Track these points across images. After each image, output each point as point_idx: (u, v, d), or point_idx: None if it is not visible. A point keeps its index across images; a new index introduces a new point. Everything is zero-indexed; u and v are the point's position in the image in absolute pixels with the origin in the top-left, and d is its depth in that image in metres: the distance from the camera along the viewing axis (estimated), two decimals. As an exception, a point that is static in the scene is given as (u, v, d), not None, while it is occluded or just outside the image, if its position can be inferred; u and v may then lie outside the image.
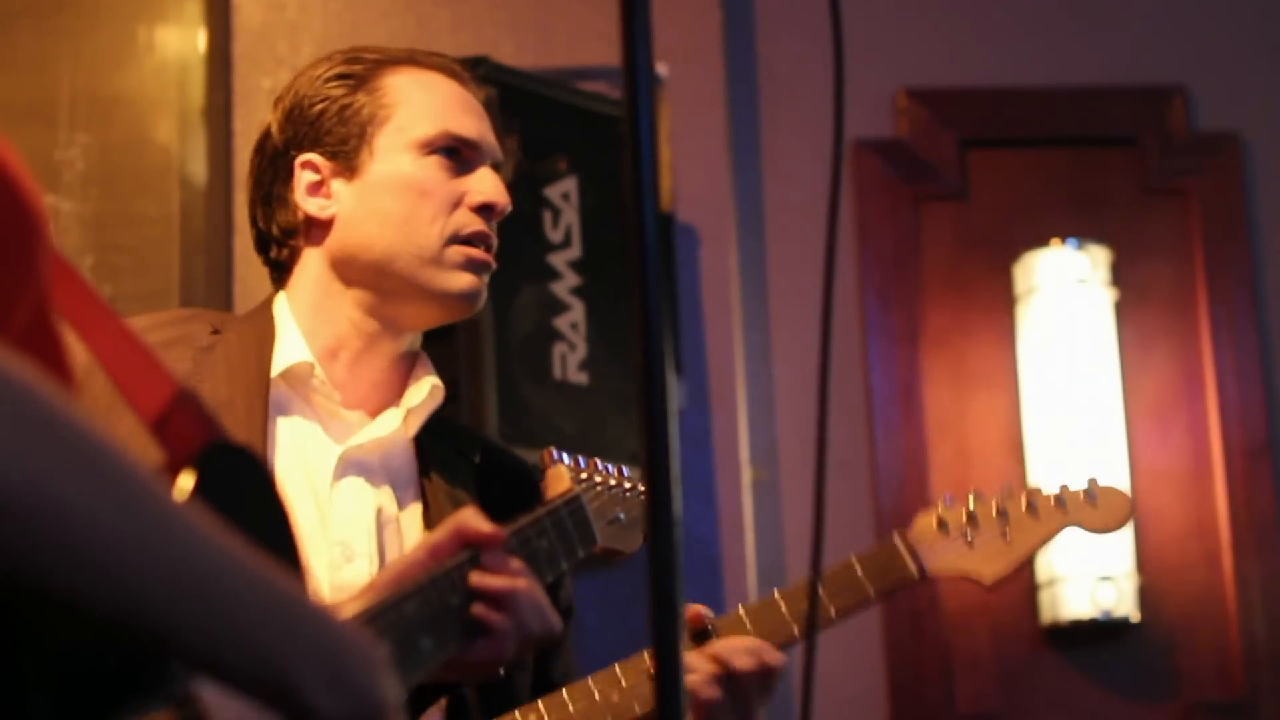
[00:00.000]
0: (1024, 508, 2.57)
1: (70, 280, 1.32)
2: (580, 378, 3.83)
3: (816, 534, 2.56)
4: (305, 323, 2.45)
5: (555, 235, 3.86)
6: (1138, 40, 4.47)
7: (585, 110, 3.95)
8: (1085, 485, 2.60)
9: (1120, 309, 4.30)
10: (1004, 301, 4.31)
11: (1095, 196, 4.41)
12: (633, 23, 1.37)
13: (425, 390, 2.46)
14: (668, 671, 1.32)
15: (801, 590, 2.47)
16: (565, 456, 2.35)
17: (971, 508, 2.55)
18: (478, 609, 2.04)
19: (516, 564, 2.13)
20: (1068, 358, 4.22)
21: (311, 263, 2.46)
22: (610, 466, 2.38)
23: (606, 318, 3.87)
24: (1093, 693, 4.19)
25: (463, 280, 2.41)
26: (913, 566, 2.51)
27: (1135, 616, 4.17)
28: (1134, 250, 4.35)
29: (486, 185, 2.44)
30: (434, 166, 2.43)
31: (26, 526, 1.09)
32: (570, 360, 3.82)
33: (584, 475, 2.33)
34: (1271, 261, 4.42)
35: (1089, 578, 4.12)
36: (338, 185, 2.44)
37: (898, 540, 2.52)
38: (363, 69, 2.47)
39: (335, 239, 2.44)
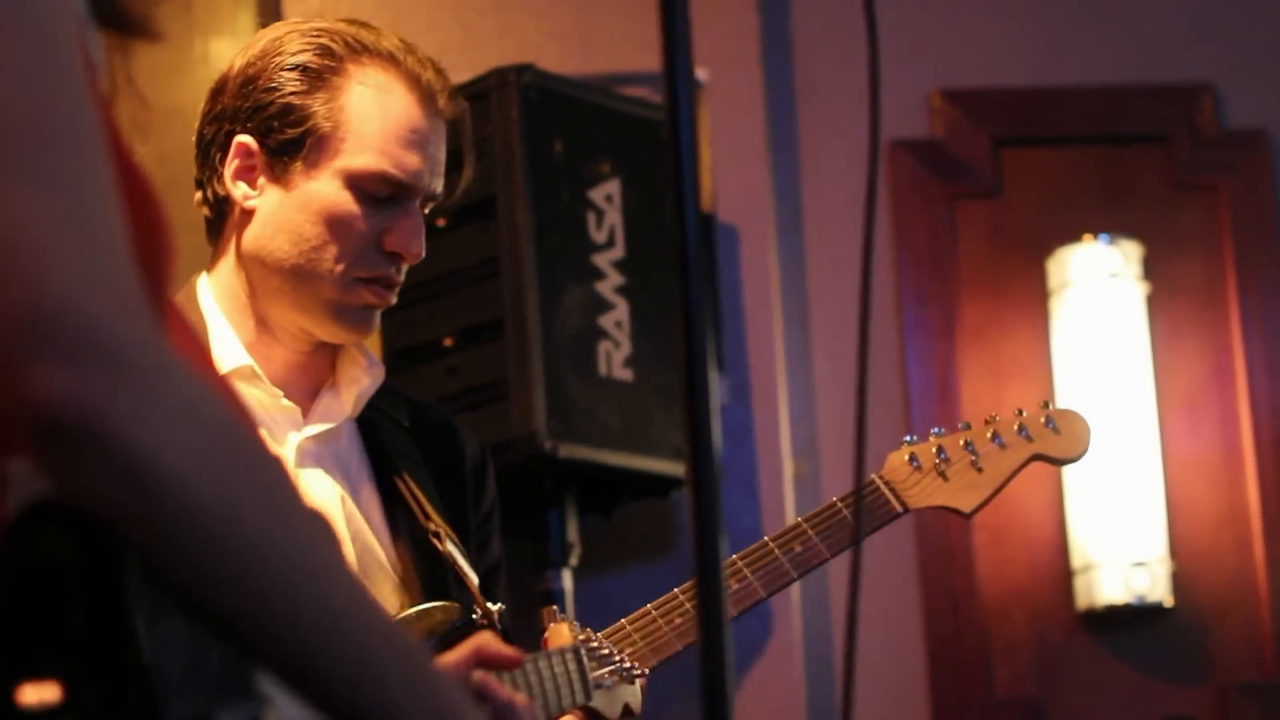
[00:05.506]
0: (989, 439, 2.68)
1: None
2: (625, 374, 3.83)
3: (856, 526, 2.60)
4: (230, 314, 2.41)
5: (599, 236, 3.86)
6: (1167, 39, 4.46)
7: (627, 114, 3.96)
8: (1045, 412, 2.69)
9: (1151, 302, 4.29)
10: (1038, 296, 4.31)
11: (1126, 193, 4.40)
12: (673, 29, 1.36)
13: (364, 371, 2.44)
14: (714, 671, 1.32)
15: (787, 533, 2.56)
16: (562, 616, 2.41)
17: (939, 443, 2.66)
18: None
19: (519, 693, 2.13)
20: (1100, 350, 4.21)
21: (232, 249, 2.42)
22: (599, 635, 2.41)
23: (650, 316, 3.87)
24: (1128, 676, 4.20)
25: (353, 319, 2.39)
26: (895, 502, 2.62)
27: (1169, 601, 4.17)
28: (1165, 245, 4.34)
29: (404, 234, 2.37)
30: (359, 200, 2.37)
31: (213, 543, 1.13)
32: (615, 358, 3.83)
33: (581, 636, 2.37)
34: (1300, 254, 4.43)
35: (1124, 564, 4.13)
36: (265, 182, 2.38)
37: (877, 479, 2.63)
38: (330, 64, 2.37)
39: (252, 235, 2.39)
